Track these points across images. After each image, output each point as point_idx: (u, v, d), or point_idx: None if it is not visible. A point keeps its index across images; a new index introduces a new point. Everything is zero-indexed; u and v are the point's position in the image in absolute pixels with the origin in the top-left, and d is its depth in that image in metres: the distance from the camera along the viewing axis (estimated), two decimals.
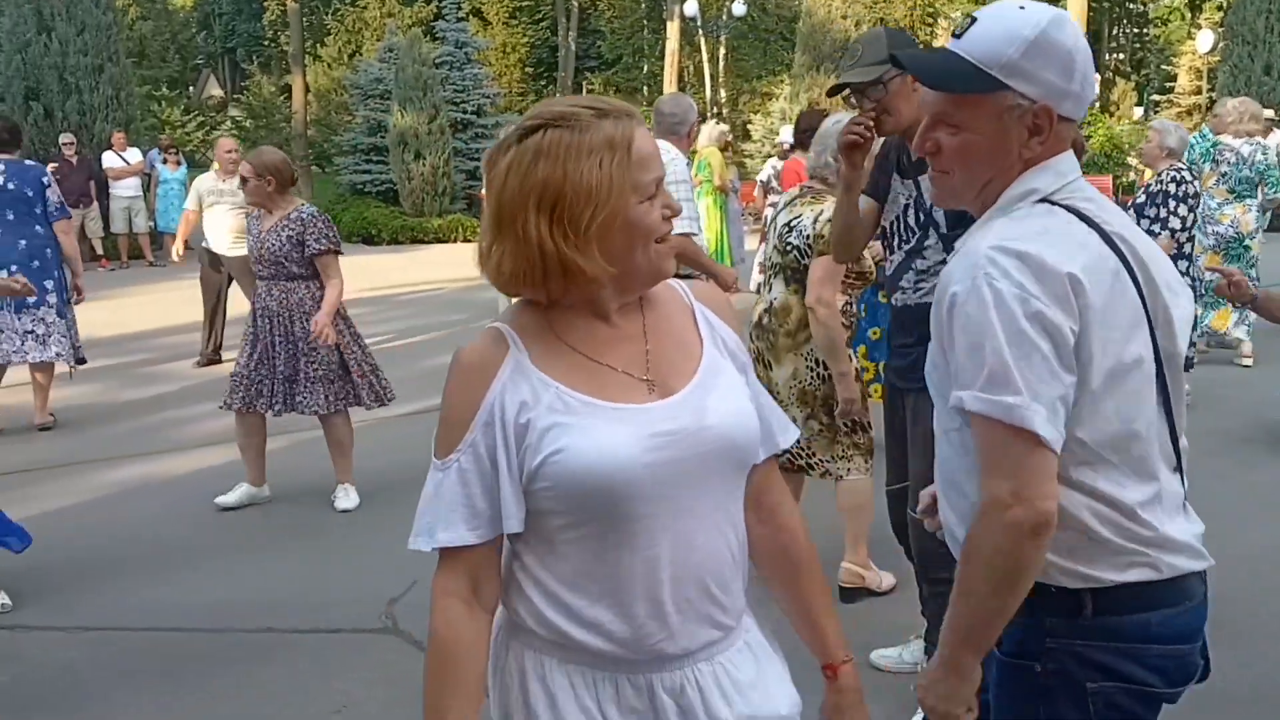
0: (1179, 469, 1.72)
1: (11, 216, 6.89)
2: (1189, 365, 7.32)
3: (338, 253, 5.40)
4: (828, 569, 4.32)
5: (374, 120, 22.11)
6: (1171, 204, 6.89)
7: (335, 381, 5.40)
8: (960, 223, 3.14)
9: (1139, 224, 7.02)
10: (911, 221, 3.33)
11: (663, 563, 1.49)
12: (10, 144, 7.00)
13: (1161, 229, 6.91)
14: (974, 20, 1.69)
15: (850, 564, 4.28)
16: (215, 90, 41.59)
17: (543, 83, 40.53)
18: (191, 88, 38.81)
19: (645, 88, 39.41)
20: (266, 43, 44.62)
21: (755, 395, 1.63)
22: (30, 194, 6.96)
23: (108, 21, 18.54)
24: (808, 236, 4.06)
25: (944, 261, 3.15)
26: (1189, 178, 6.96)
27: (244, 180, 5.42)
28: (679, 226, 4.93)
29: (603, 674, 1.53)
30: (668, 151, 5.17)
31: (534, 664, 1.55)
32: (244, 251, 8.24)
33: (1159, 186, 6.98)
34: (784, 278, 4.19)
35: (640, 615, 1.49)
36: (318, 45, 38.73)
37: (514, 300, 1.59)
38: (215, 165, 8.79)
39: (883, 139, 3.49)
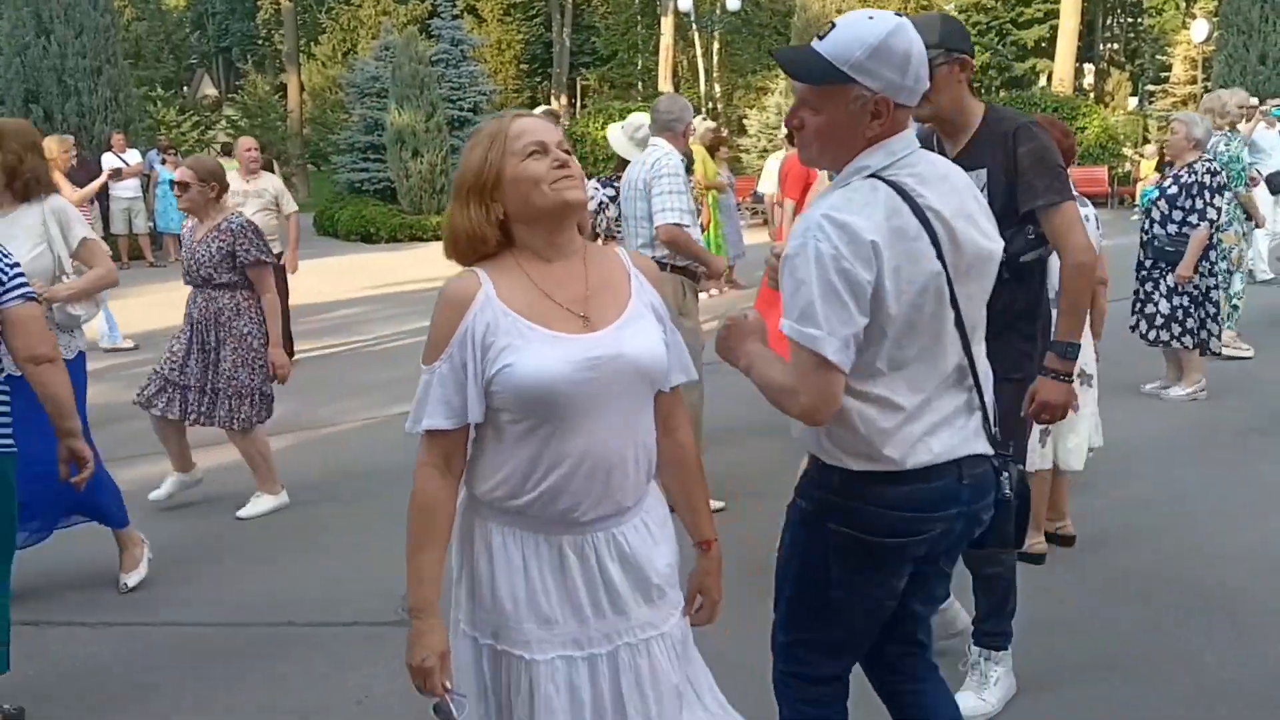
0: (975, 389, 2.29)
1: None
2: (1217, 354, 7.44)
3: (267, 264, 5.44)
4: None
5: (371, 118, 22.15)
6: (1208, 195, 7.03)
7: (247, 398, 5.39)
8: (1011, 221, 3.05)
9: (1170, 214, 7.17)
10: None
11: (580, 455, 2.02)
12: None
13: (1200, 220, 7.01)
14: (833, 26, 2.15)
15: None
16: (210, 90, 41.54)
17: (538, 79, 40.60)
18: (186, 88, 38.76)
19: (640, 83, 39.49)
20: (260, 41, 44.64)
21: (668, 339, 2.16)
22: None
23: (105, 24, 18.60)
24: None
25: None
26: (1217, 169, 7.08)
27: (184, 186, 5.36)
28: (668, 216, 5.04)
29: (528, 534, 2.09)
30: (662, 147, 5.25)
31: (480, 524, 2.13)
32: (275, 250, 8.28)
33: (1193, 178, 7.09)
34: None
35: (559, 492, 2.04)
36: (312, 44, 38.77)
37: None
38: (235, 166, 8.67)
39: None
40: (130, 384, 8.66)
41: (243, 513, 5.51)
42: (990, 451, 2.33)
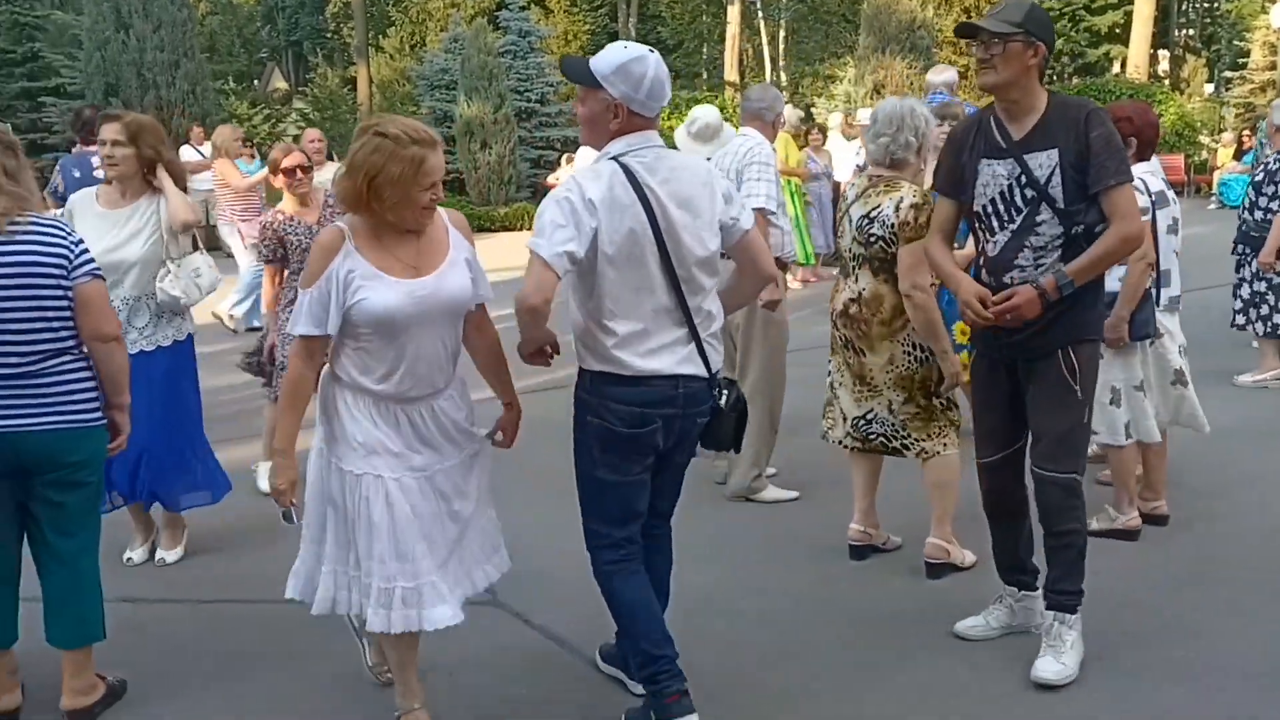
0: (690, 327, 3.11)
1: None
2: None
3: None
4: (913, 545, 4.42)
5: (440, 110, 22.38)
6: None
7: None
8: (1080, 199, 3.34)
9: (1257, 200, 7.03)
10: (1018, 200, 3.41)
11: (413, 358, 3.05)
12: (89, 136, 7.16)
13: None
14: (601, 50, 3.11)
15: (936, 539, 4.36)
16: (280, 83, 42.03)
17: None
18: (257, 81, 39.34)
19: (705, 72, 39.36)
20: (330, 35, 45.18)
21: (475, 277, 3.17)
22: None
23: (182, 18, 19.01)
24: (891, 225, 4.14)
25: (1062, 235, 3.34)
26: None
27: (305, 170, 5.58)
28: (756, 201, 5.03)
29: (377, 402, 3.09)
30: (752, 136, 5.25)
31: (340, 394, 3.11)
32: None
33: (1277, 164, 6.96)
34: (870, 268, 4.27)
35: (399, 376, 3.06)
36: (380, 37, 39.15)
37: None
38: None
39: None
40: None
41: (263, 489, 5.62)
42: (704, 374, 3.15)
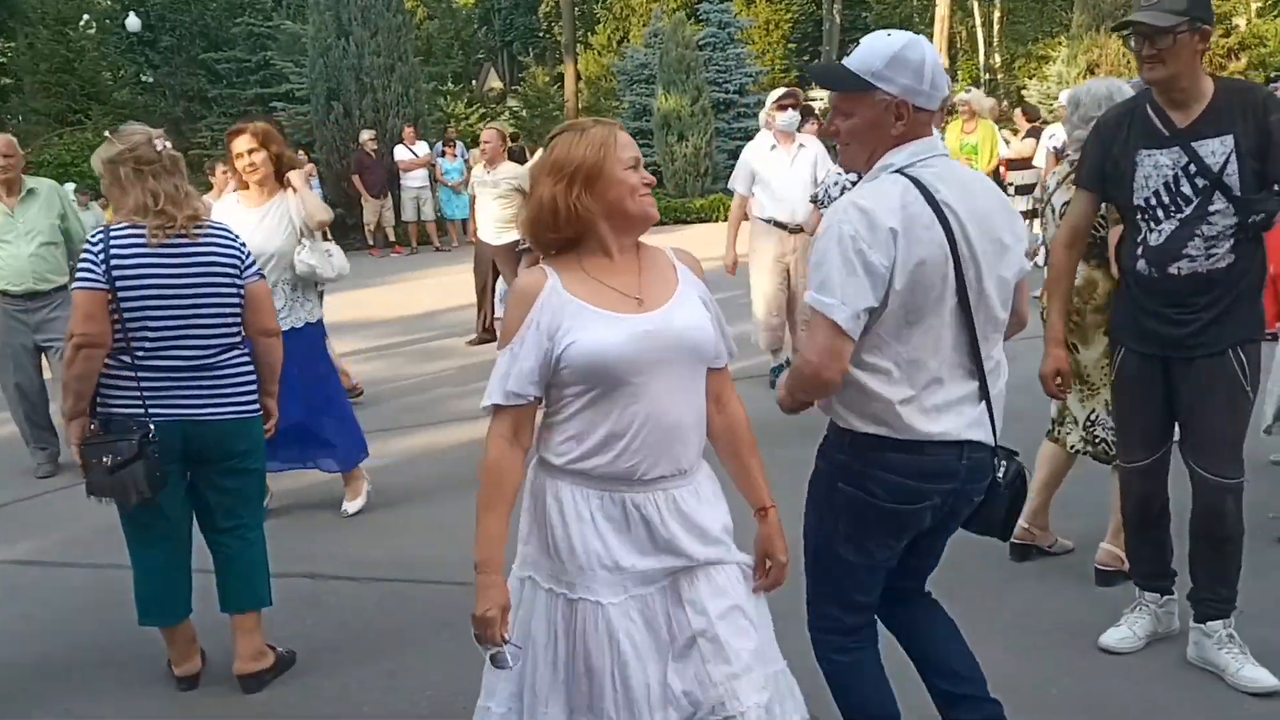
0: (981, 381, 2.50)
1: None
2: None
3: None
4: (1086, 550, 4.21)
5: (640, 104, 22.69)
6: None
7: None
8: (1259, 186, 3.18)
9: None
10: (1186, 189, 3.25)
11: (644, 419, 2.28)
12: None
13: None
14: (858, 44, 2.51)
15: (1110, 546, 4.17)
16: (495, 83, 43.46)
17: (806, 57, 40.13)
18: (474, 81, 40.81)
19: None
20: (542, 34, 46.43)
21: (715, 320, 2.41)
22: None
23: (398, 23, 19.89)
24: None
25: (1237, 225, 3.20)
26: None
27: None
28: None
29: (593, 491, 2.33)
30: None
31: (551, 484, 2.37)
32: (508, 239, 8.78)
33: None
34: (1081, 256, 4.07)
35: (624, 452, 2.29)
36: (588, 34, 39.97)
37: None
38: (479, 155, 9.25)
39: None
40: (396, 364, 9.33)
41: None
42: (991, 442, 2.56)
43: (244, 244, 3.67)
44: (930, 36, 34.51)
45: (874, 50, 2.45)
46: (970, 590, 3.97)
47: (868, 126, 2.47)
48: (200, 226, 3.53)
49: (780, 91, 7.56)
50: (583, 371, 2.26)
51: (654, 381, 2.28)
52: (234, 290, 3.57)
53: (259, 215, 5.02)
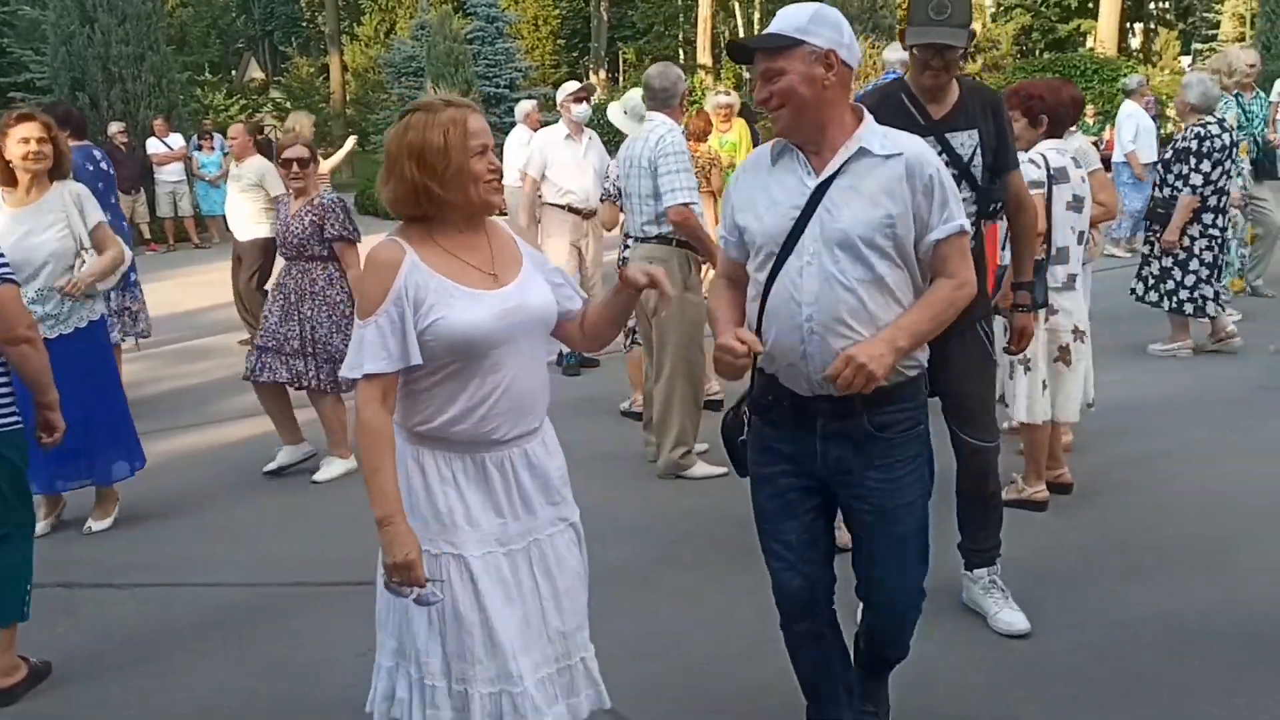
0: None
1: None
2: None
3: (353, 241, 5.66)
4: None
5: (408, 97, 22.33)
6: (1193, 161, 6.97)
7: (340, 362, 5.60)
8: (993, 178, 3.58)
9: (1165, 177, 7.16)
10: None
11: (504, 387, 2.47)
12: (79, 131, 7.32)
13: (1184, 185, 7.00)
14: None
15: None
16: (256, 73, 41.93)
17: (575, 53, 40.61)
18: (234, 71, 39.21)
19: (681, 53, 39.36)
20: (305, 24, 45.05)
21: (554, 283, 2.61)
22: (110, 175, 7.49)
23: (148, 10, 18.92)
24: None
25: (977, 213, 3.58)
26: (1216, 132, 7.00)
27: (303, 163, 5.65)
28: (678, 197, 5.11)
29: (454, 455, 2.50)
30: (664, 124, 5.28)
31: (412, 449, 2.51)
32: (258, 234, 8.51)
33: (1183, 143, 7.08)
34: None
35: (485, 417, 2.47)
36: (354, 25, 39.05)
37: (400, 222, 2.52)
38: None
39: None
40: (159, 364, 8.97)
41: (318, 477, 5.76)
42: None
43: None
44: (695, 35, 35.63)
45: (794, 13, 2.56)
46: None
47: (801, 81, 2.52)
48: None
49: (575, 85, 8.08)
50: (448, 346, 2.40)
51: (512, 353, 2.46)
52: None
53: (31, 214, 4.70)
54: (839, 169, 2.57)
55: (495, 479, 2.52)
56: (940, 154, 3.44)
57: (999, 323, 4.24)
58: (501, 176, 2.47)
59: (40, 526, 4.91)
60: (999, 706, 3.36)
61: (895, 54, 8.53)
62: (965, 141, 3.49)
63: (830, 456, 2.66)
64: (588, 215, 7.49)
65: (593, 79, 33.89)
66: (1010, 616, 3.76)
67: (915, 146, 2.59)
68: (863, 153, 2.57)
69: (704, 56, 33.52)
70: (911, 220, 2.55)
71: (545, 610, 2.57)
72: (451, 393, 2.46)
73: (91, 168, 7.36)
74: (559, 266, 2.80)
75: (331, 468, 5.80)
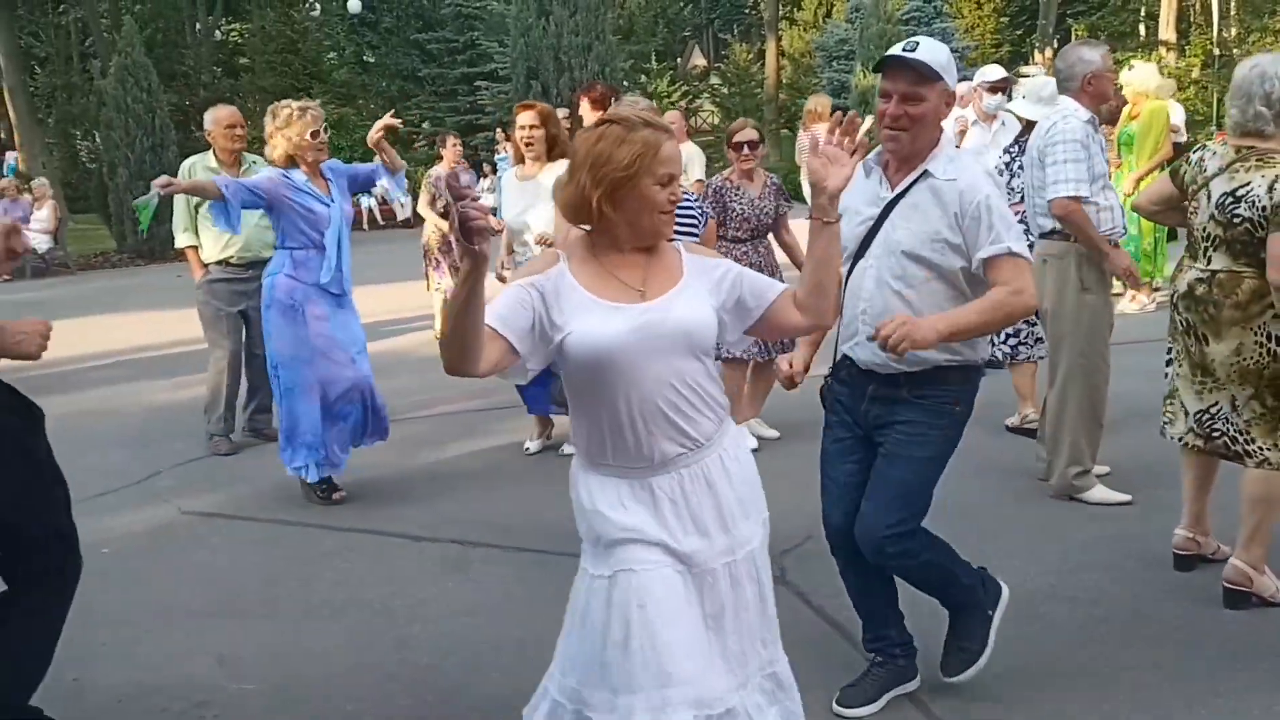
0: None
1: None
2: None
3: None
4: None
5: (838, 81, 22.28)
6: None
7: None
8: None
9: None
10: None
11: (636, 404, 2.34)
12: None
13: None
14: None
15: (1240, 561, 3.83)
16: (699, 60, 43.55)
17: (1020, 31, 38.39)
18: (679, 59, 40.92)
19: (1143, 29, 36.10)
20: (747, 11, 46.14)
21: (729, 292, 2.44)
22: None
23: (597, 2, 20.16)
24: (1263, 207, 3.63)
25: None
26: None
27: (754, 145, 5.96)
28: (1060, 189, 4.60)
29: (620, 480, 2.42)
30: (1061, 110, 4.76)
31: (584, 477, 2.48)
32: None
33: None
34: (1229, 251, 3.76)
35: (627, 438, 2.37)
36: (794, 9, 39.44)
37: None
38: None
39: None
40: None
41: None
42: None
43: None
44: (1159, 8, 32.54)
45: (935, 49, 2.99)
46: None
47: (932, 112, 2.99)
48: None
49: (997, 74, 7.51)
50: (580, 361, 2.34)
51: (644, 368, 2.34)
52: None
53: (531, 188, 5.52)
54: (907, 188, 3.04)
55: (665, 505, 2.41)
56: None
57: None
58: (673, 214, 2.41)
59: (533, 445, 6.20)
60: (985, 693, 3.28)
61: None
62: None
63: (872, 414, 3.17)
64: None
65: (1038, 59, 31.94)
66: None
67: (971, 174, 2.98)
68: (926, 174, 3.02)
69: (1167, 32, 30.58)
70: (961, 239, 2.97)
71: (725, 632, 2.46)
72: (592, 410, 2.40)
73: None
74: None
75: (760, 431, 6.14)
